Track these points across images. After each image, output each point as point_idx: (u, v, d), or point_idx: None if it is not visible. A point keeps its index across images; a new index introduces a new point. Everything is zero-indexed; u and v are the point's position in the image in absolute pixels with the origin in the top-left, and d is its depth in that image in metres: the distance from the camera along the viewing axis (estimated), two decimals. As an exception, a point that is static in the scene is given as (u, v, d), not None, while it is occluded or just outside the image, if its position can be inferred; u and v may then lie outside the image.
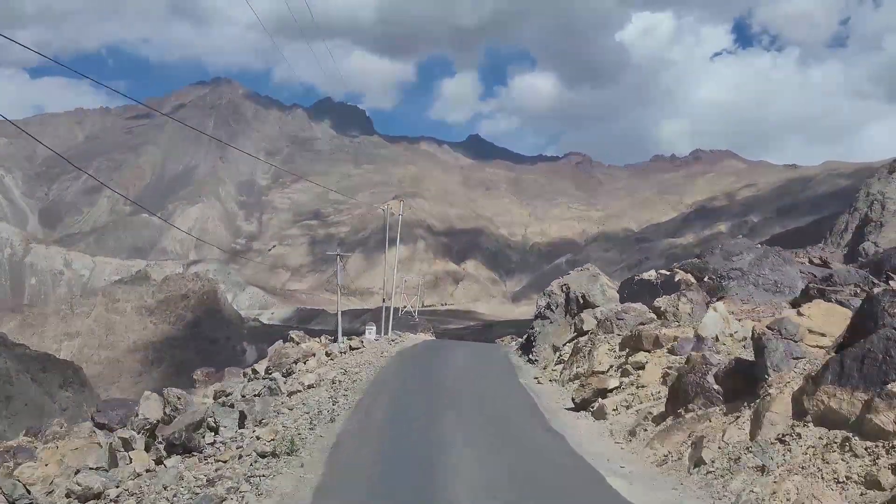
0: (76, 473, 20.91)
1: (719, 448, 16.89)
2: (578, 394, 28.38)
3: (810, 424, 15.31)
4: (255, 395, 30.99)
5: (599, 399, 26.71)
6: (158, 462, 22.90)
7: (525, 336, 57.23)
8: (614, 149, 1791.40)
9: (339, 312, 79.07)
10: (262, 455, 18.01)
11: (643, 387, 25.65)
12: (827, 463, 13.62)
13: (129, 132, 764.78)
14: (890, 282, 28.40)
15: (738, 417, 17.81)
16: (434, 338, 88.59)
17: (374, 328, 63.57)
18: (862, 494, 12.64)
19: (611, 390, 26.91)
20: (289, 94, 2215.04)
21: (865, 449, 13.39)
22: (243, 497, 14.70)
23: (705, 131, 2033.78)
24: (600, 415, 25.37)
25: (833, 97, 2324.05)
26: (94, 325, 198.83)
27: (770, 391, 17.06)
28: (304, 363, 41.44)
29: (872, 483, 12.61)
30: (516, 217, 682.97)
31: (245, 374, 45.05)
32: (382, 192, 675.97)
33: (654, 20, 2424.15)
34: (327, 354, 45.48)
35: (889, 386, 13.87)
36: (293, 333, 57.98)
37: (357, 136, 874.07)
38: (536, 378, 37.51)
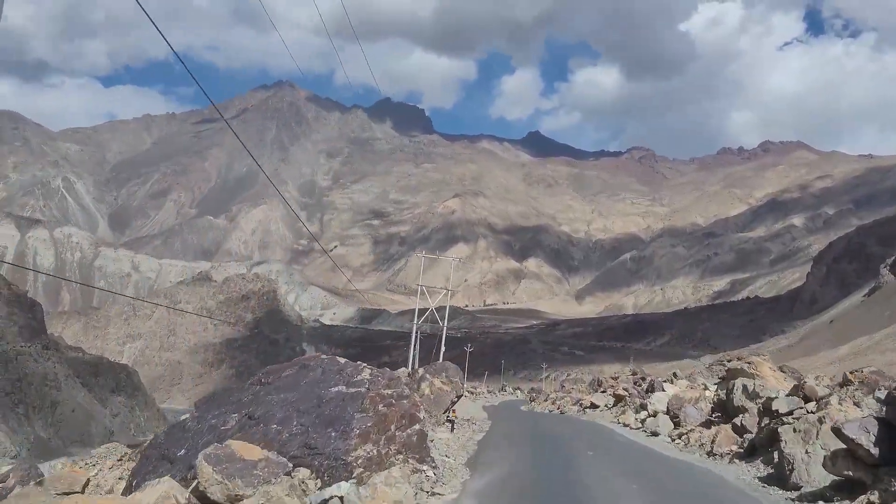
0: None
1: None
2: None
3: None
4: None
5: None
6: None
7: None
8: (679, 142, 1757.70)
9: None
10: None
11: None
12: None
13: (195, 136, 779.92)
14: None
15: None
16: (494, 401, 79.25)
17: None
18: None
19: None
20: (349, 96, 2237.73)
21: None
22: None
23: (775, 122, 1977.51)
24: None
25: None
26: (155, 328, 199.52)
27: None
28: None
29: None
30: (579, 213, 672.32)
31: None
32: (443, 191, 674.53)
33: (722, 9, 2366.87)
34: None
35: None
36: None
37: (417, 136, 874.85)
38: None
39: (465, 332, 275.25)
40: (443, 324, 76.67)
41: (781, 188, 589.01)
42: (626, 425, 34.42)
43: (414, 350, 75.57)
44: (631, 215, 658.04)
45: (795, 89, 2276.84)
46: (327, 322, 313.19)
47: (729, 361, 40.34)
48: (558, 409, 55.64)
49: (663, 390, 38.62)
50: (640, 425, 32.92)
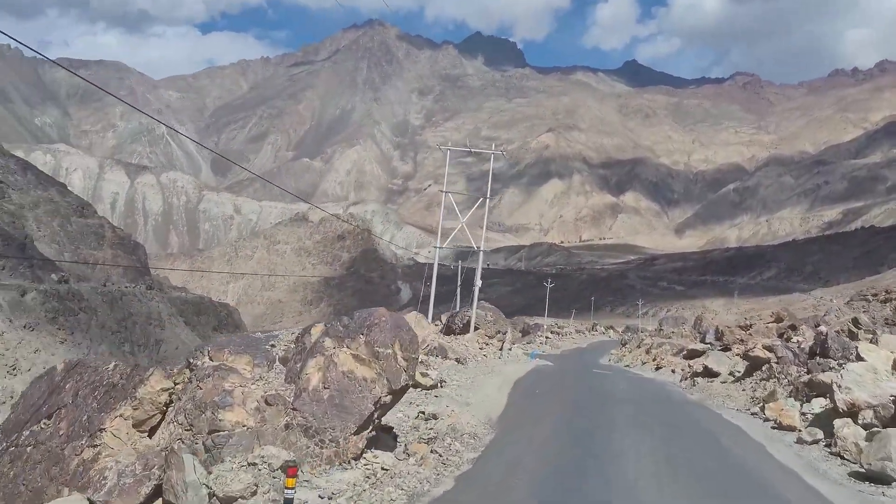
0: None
1: None
2: None
3: None
4: None
5: None
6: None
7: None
8: (787, 66, 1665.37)
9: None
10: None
11: None
12: None
13: (289, 80, 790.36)
14: None
15: None
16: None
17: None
18: None
19: None
20: (440, 32, 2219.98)
21: None
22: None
23: (893, 40, 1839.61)
24: None
25: None
26: (256, 268, 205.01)
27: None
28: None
29: None
30: (678, 145, 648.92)
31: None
32: (536, 126, 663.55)
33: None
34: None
35: None
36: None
37: (508, 70, 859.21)
38: None
39: (559, 268, 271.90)
40: (478, 247, 72.75)
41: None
42: (788, 429, 18.74)
43: (426, 286, 54.06)
44: (734, 144, 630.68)
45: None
46: (422, 260, 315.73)
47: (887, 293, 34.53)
48: (656, 364, 45.65)
49: (859, 357, 19.29)
50: (830, 441, 16.38)
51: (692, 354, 42.51)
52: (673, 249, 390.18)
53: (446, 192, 48.95)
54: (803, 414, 19.31)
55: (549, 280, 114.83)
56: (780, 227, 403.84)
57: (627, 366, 51.90)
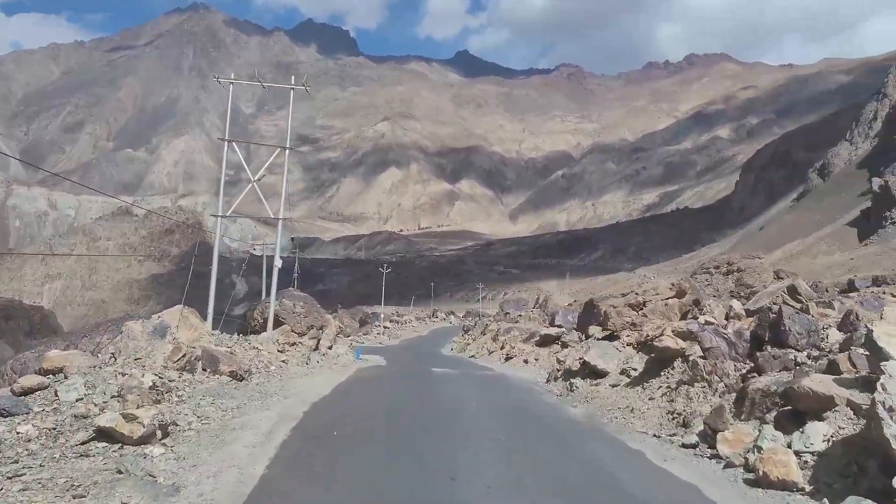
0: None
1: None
2: None
3: None
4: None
5: None
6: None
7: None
8: (607, 58, 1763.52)
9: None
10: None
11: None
12: None
13: (108, 65, 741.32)
14: None
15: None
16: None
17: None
18: None
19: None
20: (270, 18, 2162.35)
21: None
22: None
23: (699, 35, 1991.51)
24: None
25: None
26: (76, 266, 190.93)
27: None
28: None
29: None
30: (510, 133, 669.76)
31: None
32: (372, 115, 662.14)
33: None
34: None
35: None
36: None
37: (342, 59, 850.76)
38: None
39: (399, 256, 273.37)
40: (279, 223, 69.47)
41: (706, 100, 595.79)
42: (778, 486, 10.18)
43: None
44: (561, 133, 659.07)
45: (719, 1, 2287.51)
46: (258, 253, 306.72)
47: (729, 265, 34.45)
48: (505, 354, 40.37)
49: (873, 347, 11.33)
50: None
51: (546, 340, 39.72)
52: (508, 234, 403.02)
53: (229, 141, 36.04)
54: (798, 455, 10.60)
55: (386, 266, 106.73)
56: (605, 211, 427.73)
57: (473, 356, 46.75)
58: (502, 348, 44.04)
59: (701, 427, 13.62)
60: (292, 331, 32.64)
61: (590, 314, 41.19)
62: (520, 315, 63.82)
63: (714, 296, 31.43)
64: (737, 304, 21.91)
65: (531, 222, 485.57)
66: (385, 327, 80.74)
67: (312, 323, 34.06)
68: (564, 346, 36.47)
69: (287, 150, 38.15)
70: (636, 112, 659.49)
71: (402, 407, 17.91)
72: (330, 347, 32.87)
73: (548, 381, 26.20)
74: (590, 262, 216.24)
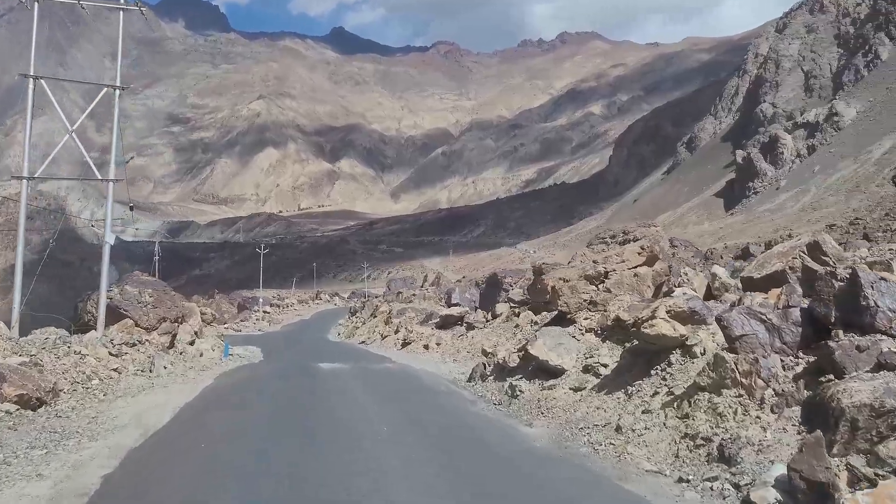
0: None
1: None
2: None
3: None
4: None
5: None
6: None
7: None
8: (483, 36, 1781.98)
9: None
10: None
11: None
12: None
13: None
14: None
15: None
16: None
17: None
18: None
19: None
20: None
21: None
22: None
23: (572, 14, 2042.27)
24: None
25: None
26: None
27: None
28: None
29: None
30: (388, 111, 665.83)
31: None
32: (246, 93, 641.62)
33: None
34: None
35: None
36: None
37: (212, 35, 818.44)
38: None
39: (279, 238, 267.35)
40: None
41: (579, 78, 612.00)
42: None
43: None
44: (440, 111, 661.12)
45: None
46: (128, 238, 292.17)
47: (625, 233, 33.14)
48: (402, 339, 37.33)
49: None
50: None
51: (447, 322, 37.42)
52: (390, 213, 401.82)
53: (36, 78, 27.85)
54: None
55: (264, 247, 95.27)
56: (485, 188, 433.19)
57: (364, 343, 43.50)
58: (397, 332, 40.44)
59: (769, 468, 8.30)
60: (137, 325, 25.53)
61: (495, 290, 41.45)
62: (413, 294, 59.85)
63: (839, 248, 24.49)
64: (721, 271, 17.96)
65: (413, 200, 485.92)
66: (265, 312, 76.70)
67: (166, 315, 26.76)
68: (470, 327, 34.15)
69: (118, 91, 29.73)
70: (512, 89, 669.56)
71: (275, 445, 11.50)
72: (192, 343, 27.54)
73: (471, 378, 20.64)
74: (472, 238, 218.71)
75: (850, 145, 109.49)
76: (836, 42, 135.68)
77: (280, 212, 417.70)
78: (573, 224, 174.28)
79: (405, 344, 36.06)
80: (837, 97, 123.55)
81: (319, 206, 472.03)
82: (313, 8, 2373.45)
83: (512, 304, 32.65)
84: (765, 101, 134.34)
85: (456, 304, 43.93)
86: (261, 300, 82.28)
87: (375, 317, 51.08)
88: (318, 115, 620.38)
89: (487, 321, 33.39)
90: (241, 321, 65.65)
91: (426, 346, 33.96)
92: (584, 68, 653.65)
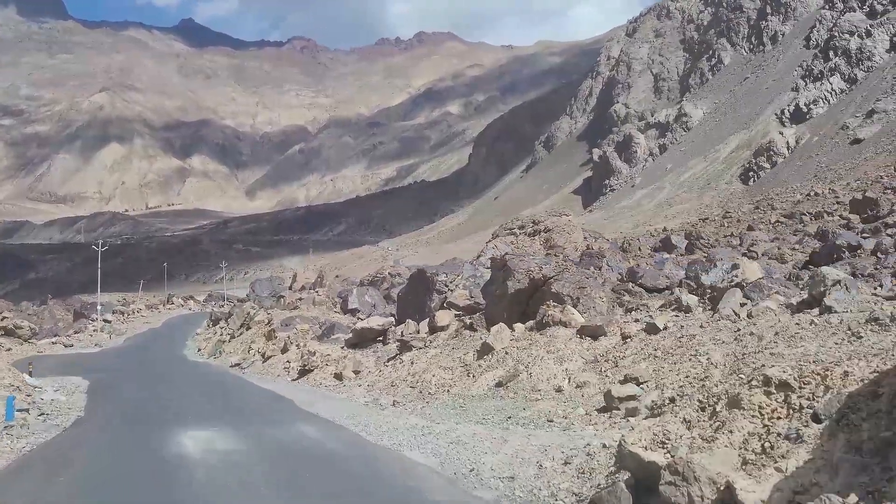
0: None
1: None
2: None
3: None
4: None
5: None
6: None
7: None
8: (339, 32, 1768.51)
9: None
10: None
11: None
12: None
13: None
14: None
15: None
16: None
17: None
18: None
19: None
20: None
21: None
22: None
23: (427, 14, 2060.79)
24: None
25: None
26: None
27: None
28: None
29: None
30: (242, 107, 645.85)
31: None
32: (87, 85, 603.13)
33: None
34: None
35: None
36: None
37: (48, 22, 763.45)
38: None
39: (126, 238, 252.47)
40: None
41: (436, 77, 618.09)
42: None
43: None
44: (297, 107, 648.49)
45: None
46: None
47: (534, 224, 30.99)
48: (301, 365, 28.01)
49: None
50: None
51: (364, 338, 27.96)
52: (245, 211, 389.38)
53: None
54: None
55: (102, 244, 79.02)
56: (345, 186, 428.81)
57: (239, 365, 34.03)
58: (285, 351, 31.76)
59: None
60: None
61: (422, 292, 30.43)
62: (299, 299, 48.71)
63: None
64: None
65: (270, 198, 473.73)
66: (105, 321, 63.88)
67: None
68: (405, 347, 24.21)
69: None
70: (371, 87, 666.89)
71: None
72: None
73: None
74: (333, 236, 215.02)
75: (699, 144, 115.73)
76: (682, 46, 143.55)
77: (126, 211, 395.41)
78: (435, 221, 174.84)
79: (305, 371, 26.59)
80: (685, 99, 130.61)
81: (169, 205, 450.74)
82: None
83: (457, 313, 25.76)
84: (618, 102, 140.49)
85: (354, 310, 37.60)
86: (99, 307, 68.16)
87: (250, 328, 40.38)
88: (166, 110, 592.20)
89: (425, 337, 24.51)
90: (75, 333, 53.98)
91: (338, 376, 24.37)
92: (441, 68, 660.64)
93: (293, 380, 27.19)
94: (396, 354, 24.53)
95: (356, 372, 24.29)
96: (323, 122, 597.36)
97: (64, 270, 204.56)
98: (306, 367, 27.03)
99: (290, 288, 60.46)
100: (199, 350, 43.07)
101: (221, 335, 44.72)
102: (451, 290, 29.13)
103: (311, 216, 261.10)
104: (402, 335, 25.87)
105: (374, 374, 23.45)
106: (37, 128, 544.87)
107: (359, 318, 34.28)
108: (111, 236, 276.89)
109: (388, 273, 50.64)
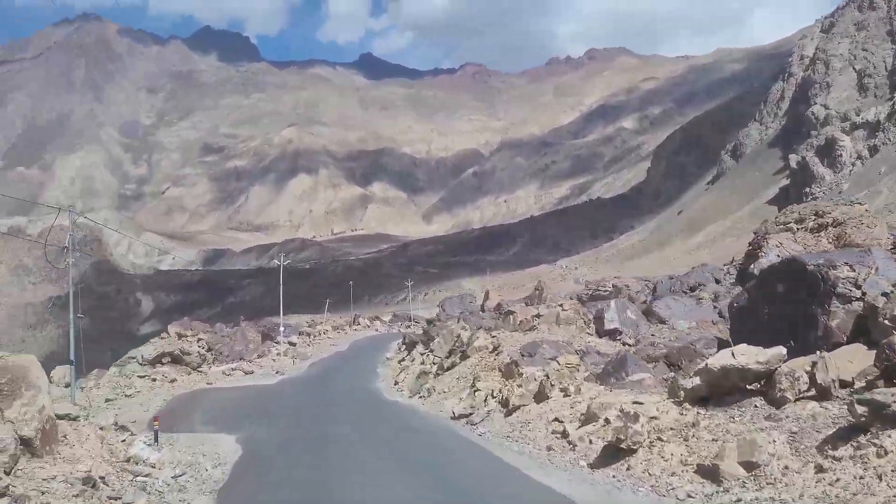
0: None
1: None
2: None
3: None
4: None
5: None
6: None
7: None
8: (510, 56, 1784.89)
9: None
10: None
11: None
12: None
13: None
14: None
15: None
16: None
17: None
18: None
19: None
20: (166, 27, 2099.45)
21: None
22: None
23: (597, 31, 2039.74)
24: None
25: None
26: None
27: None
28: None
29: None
30: (419, 134, 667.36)
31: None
32: (278, 121, 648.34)
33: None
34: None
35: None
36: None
37: (244, 66, 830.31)
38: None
39: (313, 262, 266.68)
40: None
41: (609, 93, 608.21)
42: None
43: None
44: (470, 132, 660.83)
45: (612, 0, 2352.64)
46: (165, 268, 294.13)
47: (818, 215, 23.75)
48: (613, 435, 14.49)
49: None
50: None
51: (721, 384, 14.91)
52: (423, 235, 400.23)
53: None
54: None
55: (284, 258, 73.93)
56: (518, 206, 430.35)
57: (468, 418, 21.99)
58: (542, 398, 20.30)
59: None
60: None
61: (803, 303, 16.74)
62: (536, 316, 34.09)
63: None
64: None
65: (446, 221, 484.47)
66: (291, 344, 58.06)
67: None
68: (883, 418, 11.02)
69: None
70: (542, 108, 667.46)
71: None
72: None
73: None
74: (509, 256, 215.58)
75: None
76: (890, 38, 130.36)
77: (314, 237, 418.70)
78: (614, 238, 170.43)
79: (616, 450, 14.82)
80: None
81: (353, 231, 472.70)
82: (342, 35, 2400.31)
83: None
84: (815, 104, 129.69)
85: (614, 331, 28.14)
86: (282, 329, 61.26)
87: (467, 356, 28.86)
88: (348, 141, 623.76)
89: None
90: (258, 357, 48.16)
91: (707, 471, 12.79)
92: (613, 84, 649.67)
93: (590, 465, 15.29)
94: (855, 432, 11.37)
95: (750, 466, 12.00)
96: (495, 145, 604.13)
97: (259, 294, 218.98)
98: (620, 443, 14.64)
99: (483, 307, 55.55)
100: (397, 384, 32.86)
101: (423, 364, 34.05)
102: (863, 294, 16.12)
103: (486, 237, 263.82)
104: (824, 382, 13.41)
105: (801, 476, 11.29)
106: (235, 163, 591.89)
107: (624, 343, 25.73)
108: (301, 261, 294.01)
109: (613, 285, 45.05)
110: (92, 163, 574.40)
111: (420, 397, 28.50)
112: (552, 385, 20.69)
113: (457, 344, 32.31)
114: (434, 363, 33.04)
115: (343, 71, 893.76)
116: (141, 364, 38.92)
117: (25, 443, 14.81)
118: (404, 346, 44.43)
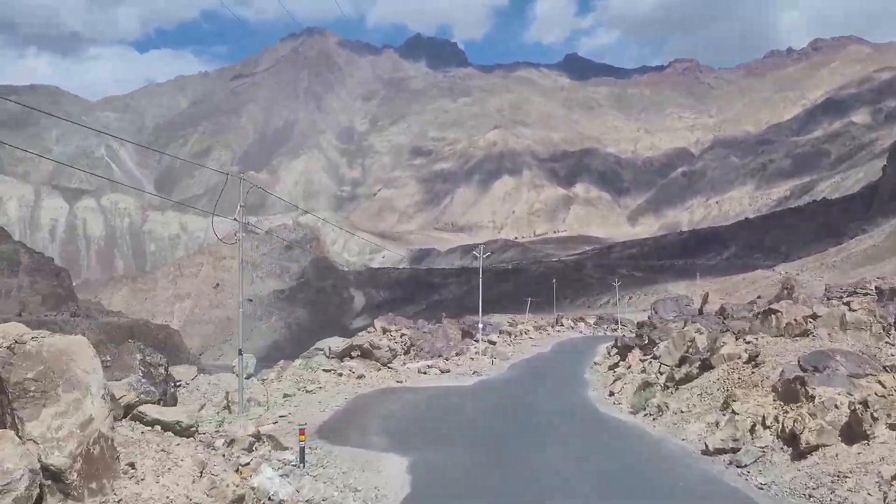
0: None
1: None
2: None
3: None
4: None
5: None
6: None
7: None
8: (724, 50, 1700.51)
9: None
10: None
11: None
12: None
13: (230, 93, 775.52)
14: None
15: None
16: None
17: None
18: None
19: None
20: (380, 36, 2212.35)
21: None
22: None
23: (824, 19, 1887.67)
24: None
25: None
26: (202, 286, 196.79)
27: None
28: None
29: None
30: (624, 133, 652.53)
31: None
32: (483, 124, 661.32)
33: None
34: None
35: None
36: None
37: (451, 71, 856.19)
38: None
39: (515, 263, 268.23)
40: None
41: (837, 86, 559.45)
42: None
43: None
44: (678, 130, 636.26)
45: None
46: (376, 266, 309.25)
47: None
48: None
49: None
50: None
51: None
52: (628, 237, 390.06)
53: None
54: None
55: (482, 250, 63.96)
56: (731, 208, 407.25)
57: (732, 454, 16.41)
58: (860, 435, 14.44)
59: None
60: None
61: None
62: (811, 317, 25.49)
63: None
64: None
65: (652, 223, 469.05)
66: (490, 342, 55.19)
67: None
68: None
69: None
70: (759, 103, 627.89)
71: None
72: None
73: None
74: (720, 261, 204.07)
75: None
76: None
77: (516, 238, 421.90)
78: (843, 243, 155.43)
79: None
80: None
81: (555, 232, 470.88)
82: (547, 36, 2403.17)
83: None
84: None
85: None
86: (481, 327, 58.60)
87: (711, 366, 23.68)
88: (552, 142, 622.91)
89: None
90: (456, 354, 45.90)
91: None
92: (842, 75, 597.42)
93: None
94: None
95: None
96: (706, 143, 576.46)
97: (461, 293, 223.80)
98: None
99: (701, 310, 50.69)
100: (612, 395, 28.59)
101: (645, 373, 29.58)
102: None
103: (695, 240, 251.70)
104: None
105: None
106: (442, 165, 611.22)
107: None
108: (503, 262, 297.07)
109: (876, 287, 36.77)
110: (312, 167, 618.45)
111: (647, 415, 23.14)
112: (874, 417, 14.33)
113: (691, 350, 27.08)
114: (661, 373, 27.66)
115: (547, 72, 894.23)
116: (328, 357, 36.29)
117: (53, 476, 10.45)
118: (616, 351, 40.08)
